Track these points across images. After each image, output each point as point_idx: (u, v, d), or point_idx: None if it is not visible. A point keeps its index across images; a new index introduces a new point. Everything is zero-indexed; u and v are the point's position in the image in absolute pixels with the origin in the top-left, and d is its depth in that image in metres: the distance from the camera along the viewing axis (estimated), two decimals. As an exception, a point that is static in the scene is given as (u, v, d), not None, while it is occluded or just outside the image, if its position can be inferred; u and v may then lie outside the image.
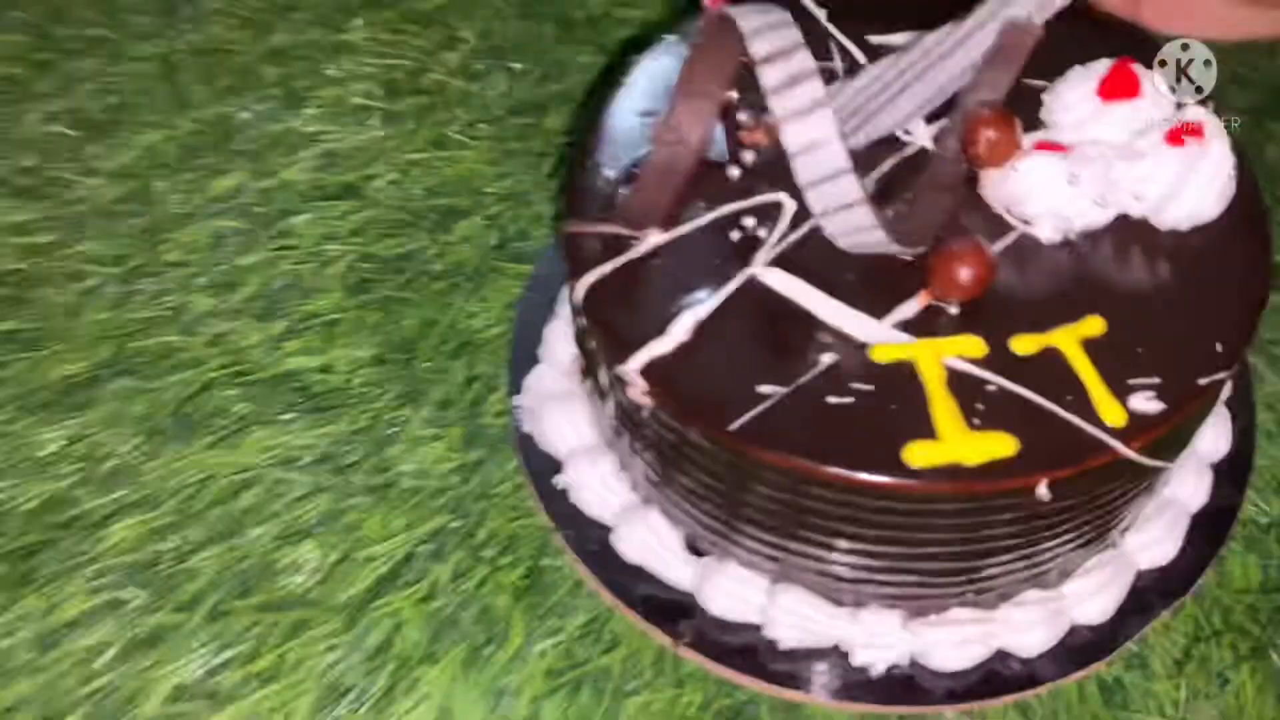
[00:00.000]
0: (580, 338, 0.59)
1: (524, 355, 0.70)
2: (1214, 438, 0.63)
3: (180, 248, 0.79)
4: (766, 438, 0.50)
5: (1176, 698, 0.57)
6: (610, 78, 0.64)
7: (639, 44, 0.65)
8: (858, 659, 0.58)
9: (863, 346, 0.52)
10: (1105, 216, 0.54)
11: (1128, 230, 0.55)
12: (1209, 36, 0.72)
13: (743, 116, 0.60)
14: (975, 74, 0.56)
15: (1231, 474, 0.63)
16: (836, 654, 0.59)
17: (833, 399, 0.50)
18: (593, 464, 0.63)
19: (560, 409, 0.65)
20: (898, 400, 0.50)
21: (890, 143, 0.59)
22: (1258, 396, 0.67)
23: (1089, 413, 0.49)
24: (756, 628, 0.59)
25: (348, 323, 0.74)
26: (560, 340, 0.69)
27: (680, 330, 0.53)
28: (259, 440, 0.69)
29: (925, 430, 0.49)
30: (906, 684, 0.58)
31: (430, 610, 0.62)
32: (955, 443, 0.48)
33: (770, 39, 0.47)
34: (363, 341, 0.73)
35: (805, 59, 0.46)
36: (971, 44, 0.55)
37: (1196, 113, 0.52)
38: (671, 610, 0.60)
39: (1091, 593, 0.58)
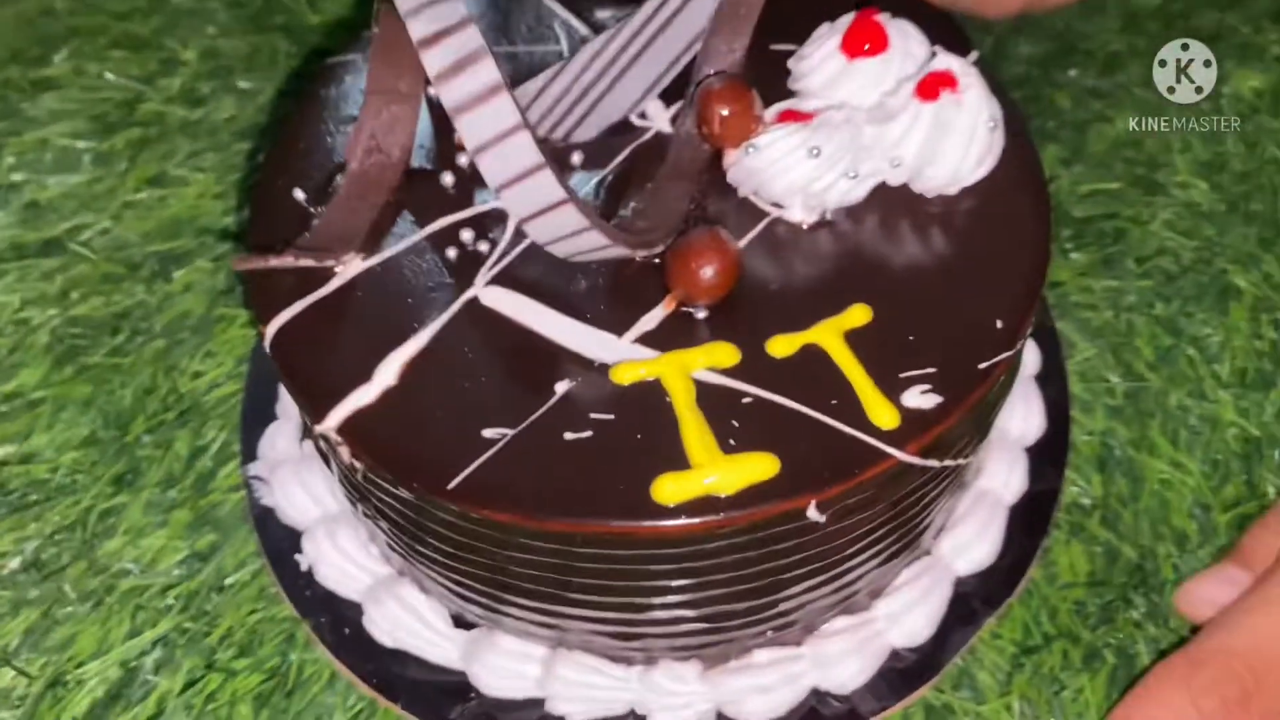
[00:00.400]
0: (289, 393, 0.50)
1: (258, 415, 0.60)
2: (1024, 418, 0.57)
3: None
4: (492, 492, 0.42)
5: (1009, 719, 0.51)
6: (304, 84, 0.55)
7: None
8: (656, 724, 0.50)
9: (603, 369, 0.44)
10: (862, 189, 0.47)
11: (890, 202, 0.48)
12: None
13: (455, 115, 0.52)
14: (704, 41, 0.49)
15: (1048, 455, 0.57)
16: (633, 720, 0.51)
17: (570, 435, 0.43)
18: (334, 536, 0.54)
19: (295, 475, 0.56)
20: (644, 428, 0.43)
21: (625, 129, 0.51)
22: (1070, 366, 0.61)
23: (857, 417, 0.42)
24: (540, 703, 0.51)
25: (53, 401, 0.63)
26: (299, 393, 0.60)
27: (386, 374, 0.45)
28: (-52, 553, 0.58)
29: (676, 460, 0.42)
30: (716, 744, 0.51)
31: (157, 734, 0.52)
32: (709, 470, 0.41)
33: (428, 17, 0.38)
34: (71, 420, 0.63)
35: (472, 36, 0.38)
36: (695, 5, 0.48)
37: (946, 60, 0.46)
38: (441, 696, 0.52)
39: (906, 609, 0.51)
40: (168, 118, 0.76)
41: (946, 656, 0.52)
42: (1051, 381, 0.60)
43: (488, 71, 0.38)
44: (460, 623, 0.53)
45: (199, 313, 0.66)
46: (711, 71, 0.49)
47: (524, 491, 0.41)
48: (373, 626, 0.52)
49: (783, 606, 0.48)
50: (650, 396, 0.43)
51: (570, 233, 0.42)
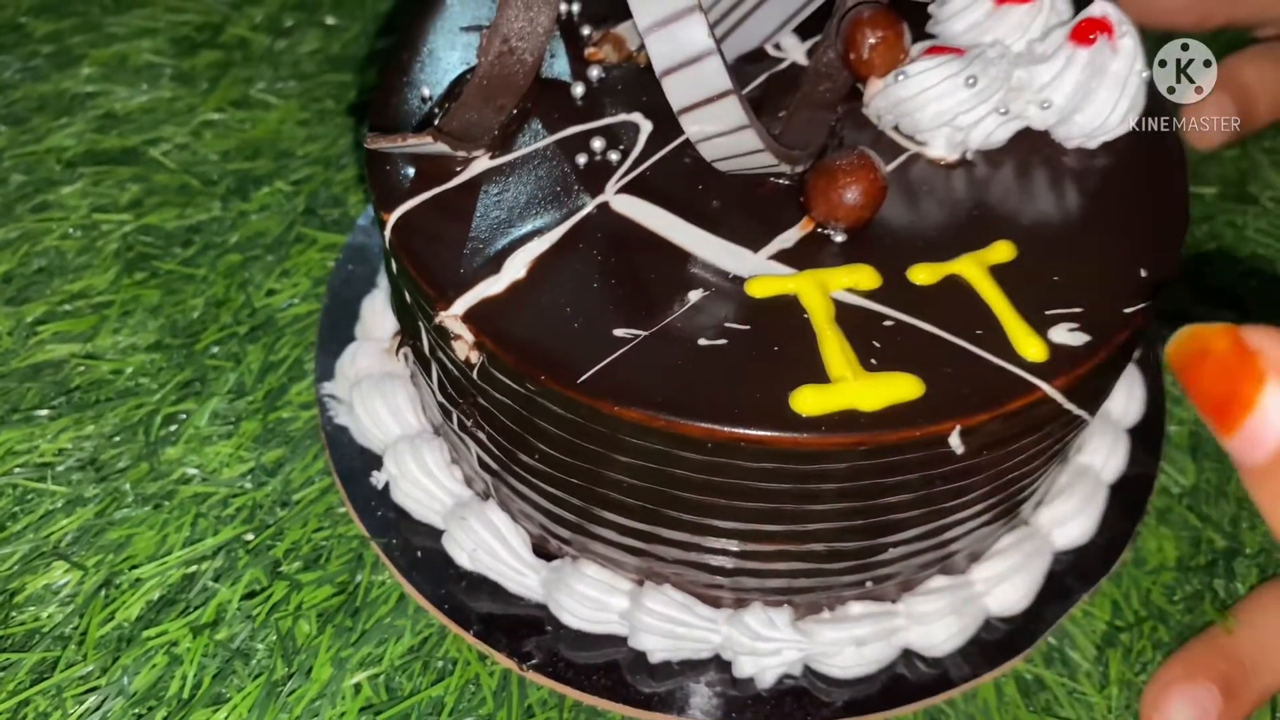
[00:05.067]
0: (395, 288, 0.48)
1: (335, 336, 0.58)
2: (1126, 398, 0.56)
3: (-87, 224, 0.65)
4: (625, 390, 0.40)
5: (1106, 699, 0.49)
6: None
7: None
8: (742, 670, 0.48)
9: (737, 281, 0.43)
10: (1005, 131, 0.47)
11: (1030, 148, 0.47)
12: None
13: (586, 30, 0.51)
14: (853, -25, 0.49)
15: (1145, 440, 0.56)
16: (716, 665, 0.49)
17: (704, 341, 0.41)
18: (417, 455, 0.52)
19: (378, 392, 0.54)
20: (781, 341, 0.41)
21: (760, 58, 0.51)
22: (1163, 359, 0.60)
23: (1004, 348, 0.41)
24: (620, 640, 0.49)
25: (121, 305, 0.61)
26: (380, 316, 0.58)
27: (515, 267, 0.43)
28: (4, 443, 0.56)
29: (815, 374, 0.40)
30: (799, 697, 0.49)
31: (215, 641, 0.50)
32: (851, 386, 0.40)
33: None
34: (138, 326, 0.61)
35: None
36: (845, -61, 0.48)
37: (1103, 7, 0.45)
38: (517, 627, 0.50)
39: (1005, 576, 0.50)
40: (251, 44, 0.75)
41: (1040, 629, 0.50)
42: (1147, 370, 0.59)
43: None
44: (540, 554, 0.51)
45: (275, 232, 0.65)
46: (857, 2, 0.48)
47: (657, 391, 0.40)
48: (453, 547, 0.50)
49: (888, 555, 0.46)
50: (787, 311, 0.42)
51: (728, 129, 0.40)
